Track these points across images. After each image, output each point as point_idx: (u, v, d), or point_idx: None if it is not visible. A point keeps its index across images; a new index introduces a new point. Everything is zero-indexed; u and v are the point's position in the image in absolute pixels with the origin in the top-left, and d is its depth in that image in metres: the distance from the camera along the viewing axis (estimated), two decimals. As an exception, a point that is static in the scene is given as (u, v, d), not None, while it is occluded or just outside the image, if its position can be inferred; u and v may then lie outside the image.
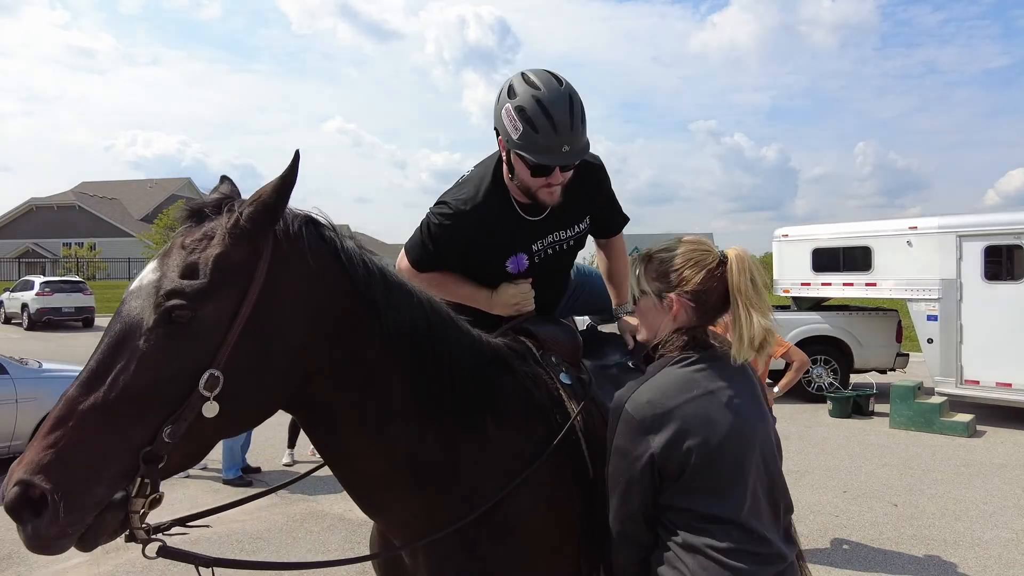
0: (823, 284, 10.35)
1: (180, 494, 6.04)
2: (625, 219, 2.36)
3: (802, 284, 10.63)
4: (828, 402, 9.33)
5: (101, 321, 22.93)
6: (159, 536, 1.32)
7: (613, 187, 2.25)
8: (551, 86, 1.81)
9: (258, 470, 6.63)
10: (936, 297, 8.75)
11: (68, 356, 11.20)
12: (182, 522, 1.46)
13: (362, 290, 1.47)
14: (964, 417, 8.30)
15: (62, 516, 1.15)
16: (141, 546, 1.30)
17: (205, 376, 1.26)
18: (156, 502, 1.28)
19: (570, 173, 1.92)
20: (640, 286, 1.64)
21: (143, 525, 1.27)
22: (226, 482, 6.29)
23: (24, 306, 21.27)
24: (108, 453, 1.20)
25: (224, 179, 1.55)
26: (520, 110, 1.80)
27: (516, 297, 2.05)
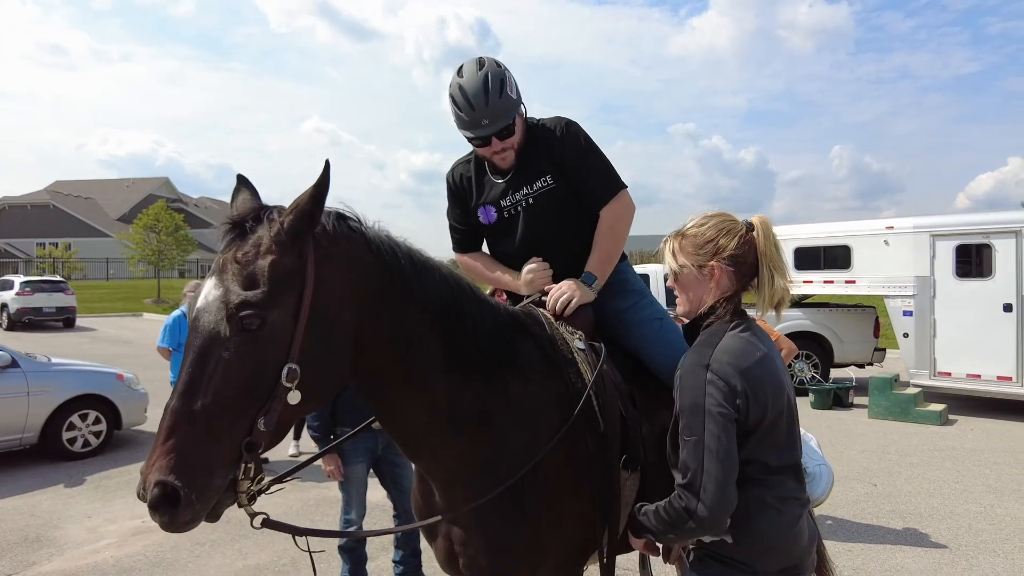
0: (804, 281, 10.76)
1: (194, 482, 6.22)
2: (611, 189, 2.34)
3: (784, 282, 11.04)
4: (809, 395, 9.73)
5: (83, 322, 22.72)
6: (262, 511, 1.55)
7: (601, 158, 2.34)
8: (471, 73, 2.21)
9: (266, 460, 6.78)
10: (911, 294, 9.21)
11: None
12: (278, 480, 1.73)
13: (393, 270, 1.67)
14: (937, 407, 8.76)
15: (196, 505, 1.36)
16: (250, 518, 1.55)
17: (285, 370, 1.44)
18: (260, 480, 1.51)
19: (513, 139, 2.27)
20: (678, 261, 1.77)
21: (248, 503, 1.49)
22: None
23: (3, 306, 20.99)
24: (217, 449, 1.39)
25: (240, 179, 1.68)
26: (451, 98, 2.25)
27: (531, 273, 2.29)
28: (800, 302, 11.70)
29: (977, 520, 5.16)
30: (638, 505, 1.73)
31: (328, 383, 1.59)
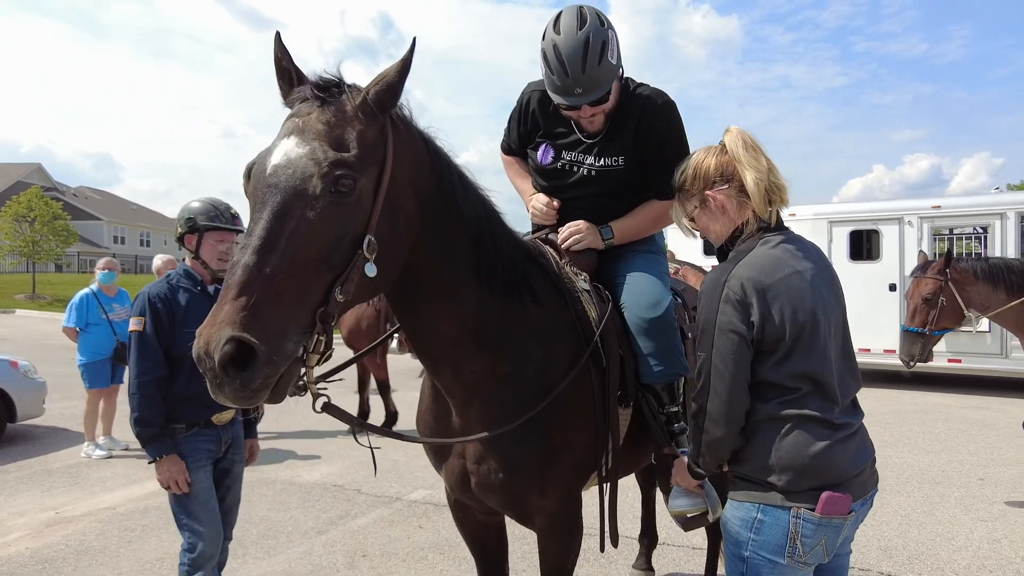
0: (713, 267, 11.43)
1: (110, 472, 5.78)
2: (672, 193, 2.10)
3: (695, 268, 11.66)
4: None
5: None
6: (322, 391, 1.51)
7: (685, 152, 2.12)
8: (570, 32, 1.97)
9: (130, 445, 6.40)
10: (811, 275, 10.00)
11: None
12: (331, 374, 1.65)
13: (447, 176, 1.71)
14: (833, 378, 9.57)
15: (269, 368, 1.25)
16: (312, 399, 1.48)
17: (366, 241, 1.41)
18: (328, 357, 1.45)
19: (606, 105, 2.10)
20: (687, 212, 1.75)
21: (314, 379, 1.44)
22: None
23: None
24: (293, 312, 1.31)
25: (279, 37, 1.56)
26: (543, 54, 2.04)
27: (538, 206, 2.31)
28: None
29: (880, 468, 5.57)
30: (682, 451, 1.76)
31: (392, 267, 1.55)
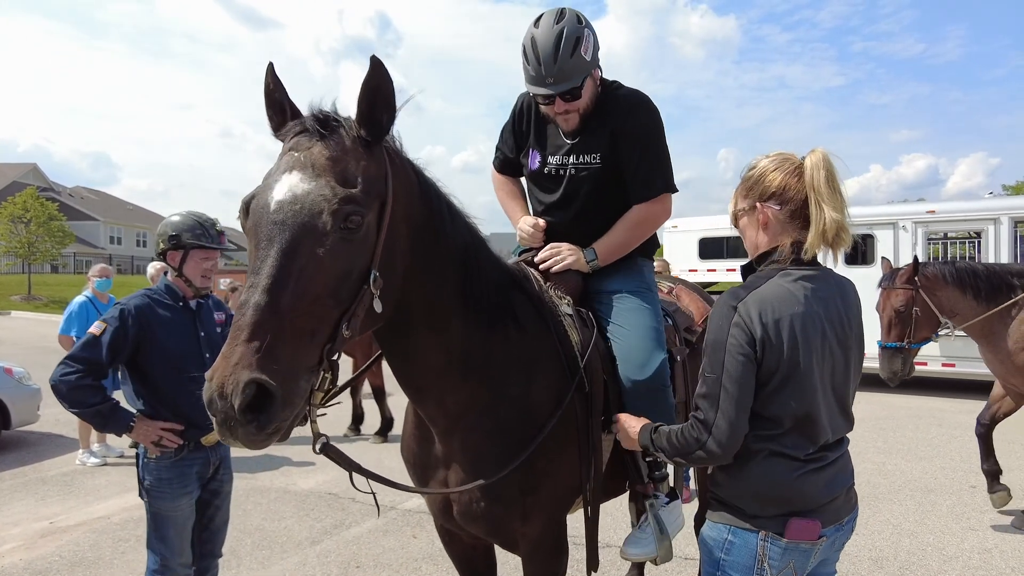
0: (708, 270, 11.47)
1: (104, 480, 5.78)
2: (656, 188, 2.20)
3: (689, 270, 11.67)
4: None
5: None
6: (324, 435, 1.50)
7: (660, 152, 2.20)
8: (546, 25, 2.07)
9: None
10: (805, 279, 10.03)
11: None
12: (330, 397, 1.55)
13: (436, 206, 1.71)
14: (827, 382, 9.59)
15: (285, 411, 1.25)
16: (313, 438, 1.46)
17: (372, 276, 1.41)
18: (331, 392, 1.43)
19: (579, 102, 2.13)
20: (737, 205, 1.71)
21: (315, 417, 1.42)
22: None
23: None
24: (304, 350, 1.30)
25: (271, 69, 1.53)
26: (523, 48, 2.12)
27: (525, 229, 2.32)
28: (705, 289, 12.46)
29: (873, 476, 5.75)
30: (656, 425, 1.75)
31: (391, 298, 1.54)
